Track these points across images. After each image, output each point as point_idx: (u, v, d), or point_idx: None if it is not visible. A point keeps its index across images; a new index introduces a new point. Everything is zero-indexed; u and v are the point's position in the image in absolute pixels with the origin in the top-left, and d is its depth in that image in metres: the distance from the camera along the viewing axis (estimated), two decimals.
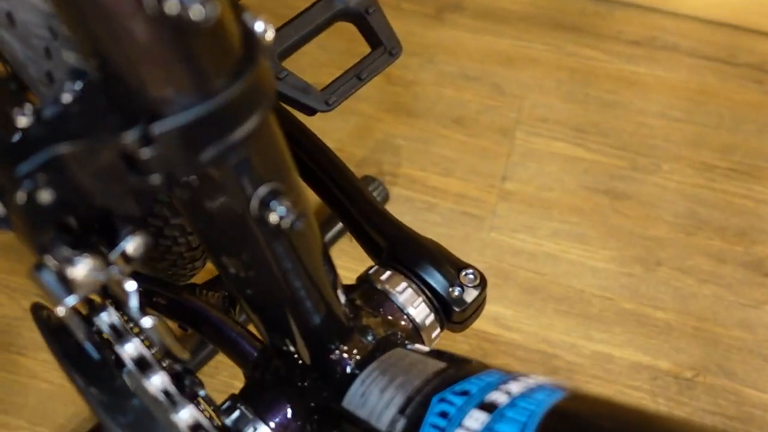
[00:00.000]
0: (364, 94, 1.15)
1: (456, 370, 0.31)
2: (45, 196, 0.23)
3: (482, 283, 0.45)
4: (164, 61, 0.22)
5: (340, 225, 0.98)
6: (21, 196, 0.23)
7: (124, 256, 0.29)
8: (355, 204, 0.48)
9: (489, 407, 0.25)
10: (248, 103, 0.25)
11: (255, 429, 0.38)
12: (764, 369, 0.94)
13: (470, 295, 0.44)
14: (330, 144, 1.11)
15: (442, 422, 0.27)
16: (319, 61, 1.16)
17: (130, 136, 0.23)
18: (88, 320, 0.31)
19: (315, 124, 1.12)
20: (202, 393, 0.35)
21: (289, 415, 0.39)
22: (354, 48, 0.67)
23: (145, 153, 0.23)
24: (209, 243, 0.31)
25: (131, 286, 0.27)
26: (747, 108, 1.15)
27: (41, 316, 0.35)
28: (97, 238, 0.28)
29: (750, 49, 1.21)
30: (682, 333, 0.96)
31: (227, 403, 0.40)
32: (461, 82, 1.17)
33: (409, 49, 1.27)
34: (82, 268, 0.25)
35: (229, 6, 0.24)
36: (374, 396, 0.33)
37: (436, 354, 0.35)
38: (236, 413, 0.39)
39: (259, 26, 0.26)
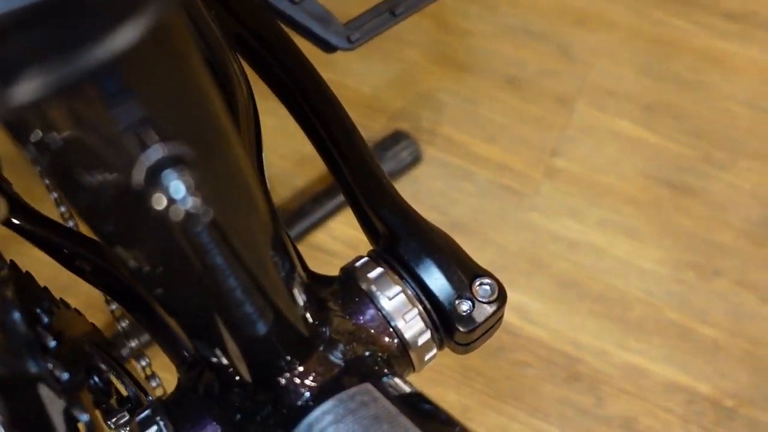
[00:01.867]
0: (412, 39, 1.03)
1: None
2: None
3: (500, 298, 0.34)
4: None
5: None
6: None
7: None
8: (353, 173, 0.37)
9: None
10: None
11: None
12: None
13: (482, 312, 0.33)
14: (366, 89, 1.00)
15: None
16: None
17: None
18: None
19: (349, 64, 1.01)
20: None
21: None
22: None
23: None
24: (97, 229, 0.21)
25: None
26: None
27: None
28: None
29: None
30: (729, 355, 0.84)
31: (146, 412, 0.31)
32: (523, 39, 1.04)
33: None
34: None
35: None
36: None
37: (415, 408, 0.25)
38: (153, 429, 0.30)
39: None
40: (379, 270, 0.33)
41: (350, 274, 0.34)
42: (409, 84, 1.01)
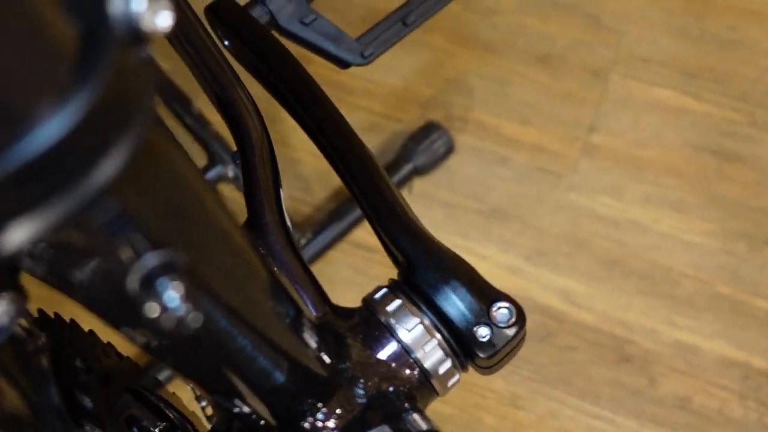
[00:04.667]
0: (435, 24, 1.01)
1: None
2: None
3: (519, 322, 0.34)
4: None
5: None
6: None
7: None
8: (368, 200, 0.37)
9: None
10: (91, 140, 0.15)
11: None
12: None
13: (502, 337, 0.34)
14: (394, 82, 1.00)
15: None
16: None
17: None
18: None
19: (379, 57, 1.00)
20: None
21: None
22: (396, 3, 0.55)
23: None
24: (102, 316, 0.22)
25: None
26: None
27: None
28: None
29: None
30: None
31: None
32: (550, 11, 1.01)
33: None
34: None
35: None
36: None
37: None
38: None
39: (137, 5, 0.16)
40: (397, 302, 0.34)
41: (371, 307, 0.35)
42: (437, 70, 1.00)
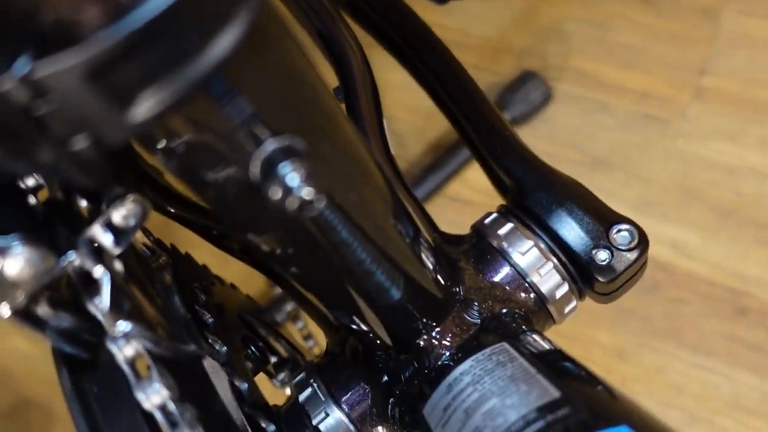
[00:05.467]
0: None
1: (572, 408, 0.21)
2: None
3: (641, 244, 0.32)
4: None
5: None
6: None
7: (112, 228, 0.21)
8: (474, 127, 0.36)
9: None
10: (210, 7, 0.15)
11: (326, 414, 0.31)
12: None
13: (622, 261, 0.32)
14: (490, 32, 0.97)
15: None
16: None
17: (5, 80, 0.14)
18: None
19: (469, 8, 0.98)
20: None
21: (368, 402, 0.31)
22: None
23: (39, 107, 0.15)
24: (225, 219, 0.22)
25: (98, 271, 0.20)
26: None
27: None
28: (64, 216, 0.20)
29: None
30: None
31: (301, 375, 0.33)
32: None
33: None
34: (15, 263, 0.18)
35: None
36: (457, 419, 0.24)
37: (553, 366, 0.25)
38: (308, 391, 0.32)
39: None
40: (509, 225, 0.33)
41: (481, 232, 0.34)
42: (532, 18, 0.96)
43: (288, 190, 0.17)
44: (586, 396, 0.22)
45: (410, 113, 0.94)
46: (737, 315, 0.77)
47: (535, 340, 0.28)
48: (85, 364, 0.22)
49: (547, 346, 0.27)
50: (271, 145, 0.18)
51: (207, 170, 0.19)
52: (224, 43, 0.15)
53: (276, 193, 0.18)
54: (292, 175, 0.17)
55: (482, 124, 0.36)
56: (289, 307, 0.58)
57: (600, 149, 0.86)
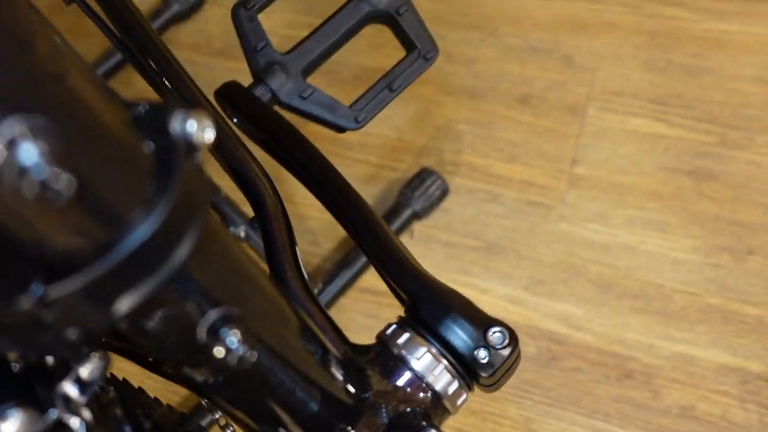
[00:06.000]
0: (421, 77, 1.09)
1: None
2: None
3: (512, 342, 0.40)
4: (46, 221, 0.19)
5: None
6: None
7: (80, 381, 0.26)
8: (371, 248, 0.43)
9: None
10: (170, 234, 0.21)
11: None
12: None
13: (498, 357, 0.39)
14: (388, 133, 1.07)
15: None
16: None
17: (24, 302, 0.20)
18: None
19: None
20: None
21: None
22: (382, 61, 0.62)
23: (48, 315, 0.20)
24: (162, 360, 0.28)
25: (76, 423, 0.25)
26: None
27: None
28: (39, 374, 0.25)
29: None
30: None
31: None
32: (527, 56, 1.09)
33: (469, 22, 1.19)
34: (12, 425, 0.23)
35: (124, 131, 0.20)
36: None
37: None
38: None
39: (190, 127, 0.22)
40: (406, 335, 0.40)
41: (383, 342, 0.40)
42: (427, 120, 1.07)
43: (228, 350, 0.23)
44: None
45: (320, 211, 1.01)
46: (624, 378, 0.86)
47: None
48: None
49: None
50: (213, 314, 0.24)
51: (162, 335, 0.25)
52: (182, 251, 0.22)
53: (220, 353, 0.23)
54: (231, 339, 0.23)
55: (378, 248, 0.43)
56: (217, 414, 0.61)
57: (493, 235, 0.96)
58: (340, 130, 0.58)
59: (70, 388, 0.25)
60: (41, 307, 0.20)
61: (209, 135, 0.23)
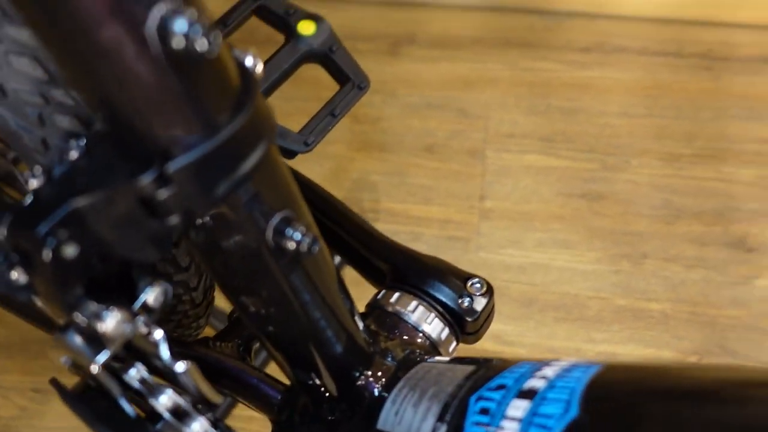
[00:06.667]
0: (334, 137, 1.17)
1: (486, 369, 0.32)
2: (69, 250, 0.24)
3: (489, 291, 0.45)
4: (172, 101, 0.23)
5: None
6: (47, 254, 0.23)
7: (146, 307, 0.29)
8: (350, 233, 0.48)
9: (529, 394, 0.26)
10: (253, 135, 0.26)
11: None
12: (764, 342, 0.95)
13: (480, 303, 0.44)
14: None
15: (484, 419, 0.27)
16: (286, 110, 1.16)
17: (145, 179, 0.23)
18: (118, 378, 0.31)
19: (291, 165, 1.13)
20: None
21: None
22: (319, 93, 0.69)
23: (162, 194, 0.24)
24: (228, 284, 0.31)
25: (159, 333, 0.28)
26: (701, 96, 1.20)
27: (62, 387, 0.35)
28: (116, 291, 0.28)
29: (695, 40, 1.26)
30: (679, 320, 0.98)
31: None
32: (426, 111, 1.20)
33: (370, 87, 1.30)
34: (111, 322, 0.25)
35: (225, 42, 0.25)
36: (409, 412, 0.33)
37: (460, 360, 0.36)
38: None
39: (249, 60, 0.27)
40: (397, 294, 0.44)
41: (376, 305, 0.45)
42: (343, 174, 1.14)
43: (298, 241, 0.27)
44: (490, 363, 0.33)
45: None
46: None
47: (439, 359, 0.39)
48: None
49: (449, 358, 0.38)
50: (277, 217, 0.28)
51: (233, 243, 0.28)
52: (256, 156, 0.26)
53: (291, 245, 0.27)
54: (297, 233, 0.28)
55: (355, 229, 0.48)
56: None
57: None
58: (292, 154, 0.63)
59: (152, 299, 0.28)
60: (158, 185, 0.24)
61: (260, 67, 0.28)
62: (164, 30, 0.21)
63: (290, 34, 0.67)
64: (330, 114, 0.65)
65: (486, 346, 0.98)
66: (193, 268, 0.46)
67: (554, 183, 1.11)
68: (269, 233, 0.28)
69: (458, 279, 0.45)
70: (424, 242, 1.05)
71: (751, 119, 1.17)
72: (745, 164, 1.11)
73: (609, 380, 0.24)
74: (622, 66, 1.24)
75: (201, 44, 0.21)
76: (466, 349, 0.50)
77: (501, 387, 0.28)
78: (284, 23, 0.68)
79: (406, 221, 1.08)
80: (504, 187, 1.11)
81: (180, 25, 0.20)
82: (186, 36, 0.20)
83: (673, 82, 1.22)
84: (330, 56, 0.67)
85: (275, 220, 0.28)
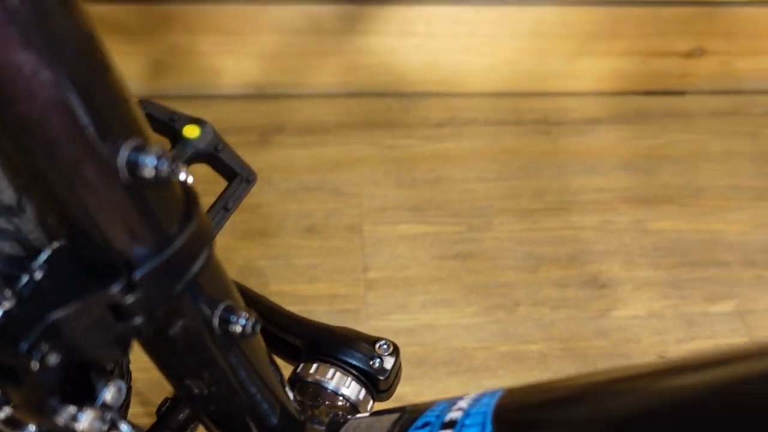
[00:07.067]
0: None
1: (409, 414, 0.37)
2: (52, 359, 0.27)
3: (396, 350, 0.51)
4: (137, 219, 0.27)
5: None
6: (34, 365, 0.26)
7: (104, 405, 0.32)
8: (264, 315, 0.52)
9: (450, 425, 0.32)
10: (201, 237, 0.31)
11: None
12: (627, 363, 1.07)
13: (389, 362, 0.50)
14: None
15: None
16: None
17: (116, 288, 0.27)
18: None
19: None
20: None
21: None
22: (212, 188, 0.73)
23: (130, 298, 0.28)
24: (172, 369, 0.35)
25: (126, 427, 0.31)
26: (543, 156, 1.36)
27: None
28: (76, 392, 0.31)
29: (532, 108, 1.44)
30: (554, 357, 1.08)
31: None
32: (302, 194, 1.26)
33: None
34: (86, 422, 0.28)
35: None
36: None
37: (384, 411, 0.41)
38: None
39: (182, 175, 0.32)
40: (315, 365, 0.49)
41: (297, 378, 0.49)
42: (228, 264, 1.16)
43: (243, 326, 0.32)
44: (410, 408, 0.39)
45: (145, 372, 1.02)
46: None
47: (362, 416, 0.44)
48: None
49: (369, 413, 0.43)
50: (222, 306, 0.33)
51: (181, 332, 0.32)
52: (204, 255, 0.31)
53: (237, 329, 0.32)
54: (241, 319, 0.32)
55: (266, 310, 0.53)
56: None
57: None
58: None
59: (109, 397, 0.31)
60: (126, 292, 0.28)
61: (190, 178, 0.33)
62: (134, 163, 0.25)
63: (176, 138, 0.72)
64: (223, 208, 0.69)
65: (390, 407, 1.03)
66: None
67: (428, 248, 1.20)
68: (215, 321, 0.33)
69: (367, 343, 0.50)
70: (316, 318, 1.09)
71: (587, 173, 1.34)
72: (588, 212, 1.27)
73: (512, 400, 0.30)
74: (473, 136, 1.38)
75: (166, 172, 0.26)
76: (380, 407, 0.55)
77: (426, 424, 0.33)
78: (169, 129, 0.72)
79: (295, 301, 1.12)
80: (383, 257, 1.18)
81: (150, 158, 0.25)
82: (155, 167, 0.25)
83: (517, 146, 1.37)
84: (216, 155, 0.72)
85: (220, 309, 0.33)
